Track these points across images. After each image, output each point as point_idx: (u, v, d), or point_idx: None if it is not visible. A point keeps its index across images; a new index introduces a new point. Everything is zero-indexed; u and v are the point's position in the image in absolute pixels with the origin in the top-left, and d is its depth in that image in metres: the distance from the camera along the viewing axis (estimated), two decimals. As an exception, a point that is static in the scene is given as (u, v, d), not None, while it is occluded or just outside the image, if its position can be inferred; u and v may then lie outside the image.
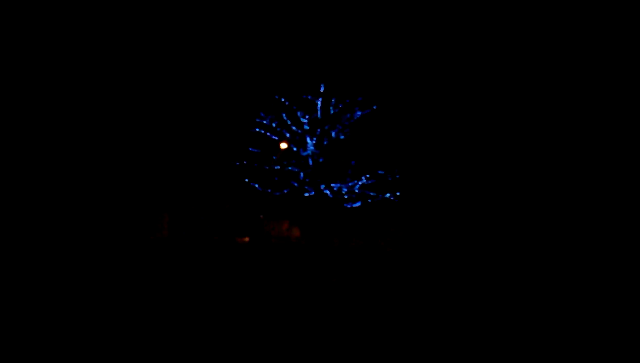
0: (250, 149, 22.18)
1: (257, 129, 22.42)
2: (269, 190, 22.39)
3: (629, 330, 9.53)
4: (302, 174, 21.99)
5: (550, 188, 21.22)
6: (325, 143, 21.95)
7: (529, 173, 22.00)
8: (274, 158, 22.13)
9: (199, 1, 25.47)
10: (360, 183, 21.69)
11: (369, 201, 21.76)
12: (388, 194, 21.63)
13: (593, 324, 9.68)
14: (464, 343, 7.65)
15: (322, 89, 21.83)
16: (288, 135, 22.24)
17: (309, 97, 21.97)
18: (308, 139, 21.98)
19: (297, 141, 22.20)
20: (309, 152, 21.94)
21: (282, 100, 21.96)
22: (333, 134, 21.95)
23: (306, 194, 21.93)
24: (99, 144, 23.16)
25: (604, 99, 21.82)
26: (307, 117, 22.01)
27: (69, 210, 20.90)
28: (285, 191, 22.51)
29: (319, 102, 21.94)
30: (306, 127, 21.97)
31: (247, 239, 24.32)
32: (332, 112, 22.02)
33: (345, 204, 22.01)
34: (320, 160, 21.84)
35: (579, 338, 8.54)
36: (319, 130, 21.83)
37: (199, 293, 10.27)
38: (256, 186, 22.35)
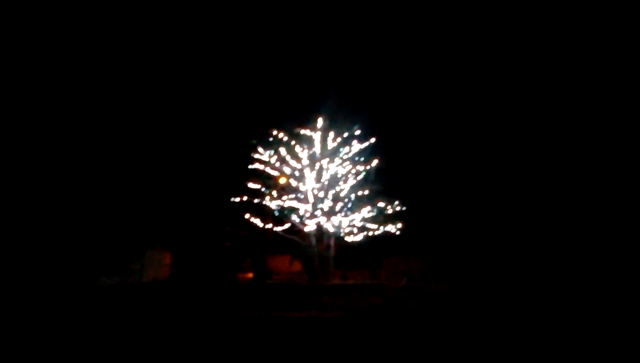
0: (249, 185, 22.17)
1: (257, 165, 22.46)
2: (270, 226, 22.30)
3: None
4: (302, 209, 21.92)
5: (562, 226, 20.98)
6: (325, 177, 21.92)
7: (532, 204, 21.85)
8: (274, 193, 22.09)
9: (197, 34, 25.90)
10: (361, 216, 21.58)
11: (370, 234, 21.59)
12: (389, 227, 21.48)
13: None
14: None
15: (320, 124, 21.92)
16: (287, 170, 22.28)
17: (307, 132, 22.02)
18: (307, 174, 21.97)
19: (296, 175, 22.21)
20: (309, 186, 21.91)
21: (280, 135, 22.05)
22: (332, 168, 21.95)
23: (307, 229, 21.81)
24: (97, 181, 23.18)
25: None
26: (305, 151, 22.05)
27: (59, 245, 20.66)
28: (286, 226, 22.40)
29: (318, 137, 22.00)
30: (305, 161, 21.98)
31: (250, 275, 24.10)
32: (330, 146, 22.07)
33: (346, 238, 21.86)
34: (320, 194, 21.78)
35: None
36: (318, 164, 21.83)
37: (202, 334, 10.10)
38: (257, 221, 22.26)
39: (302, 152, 22.02)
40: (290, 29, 24.96)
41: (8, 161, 21.18)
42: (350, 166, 22.05)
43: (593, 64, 22.09)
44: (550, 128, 22.12)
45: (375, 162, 21.81)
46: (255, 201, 22.06)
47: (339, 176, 22.05)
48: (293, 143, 22.05)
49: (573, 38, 22.35)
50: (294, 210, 22.06)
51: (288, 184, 22.29)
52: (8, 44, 21.98)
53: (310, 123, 21.90)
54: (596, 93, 22.01)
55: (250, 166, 22.50)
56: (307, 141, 22.04)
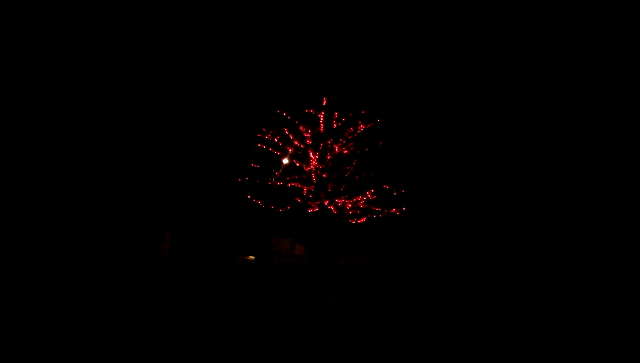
0: (252, 165, 21.73)
1: (259, 145, 21.98)
2: (272, 207, 21.90)
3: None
4: (305, 190, 21.49)
5: (564, 211, 20.55)
6: (329, 157, 21.45)
7: (537, 184, 21.42)
8: (277, 173, 21.67)
9: (199, 15, 25.30)
10: (364, 198, 21.15)
11: (374, 216, 21.16)
12: (394, 210, 21.05)
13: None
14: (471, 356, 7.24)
15: (324, 103, 21.40)
16: (290, 150, 21.79)
17: (312, 111, 21.51)
18: (311, 154, 21.49)
19: (299, 156, 21.73)
20: (312, 167, 21.45)
21: (284, 114, 21.54)
22: (336, 148, 21.46)
23: (310, 211, 21.40)
24: (97, 158, 22.84)
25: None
26: (309, 131, 21.56)
27: (59, 226, 20.36)
28: (289, 208, 22.00)
29: (322, 116, 21.49)
30: (309, 141, 21.50)
31: (251, 257, 23.75)
32: (335, 126, 21.56)
33: (349, 221, 21.46)
34: (324, 175, 21.33)
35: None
36: (321, 144, 21.36)
37: (203, 313, 9.89)
38: (259, 203, 21.86)
39: (306, 132, 21.52)
40: (297, 5, 24.27)
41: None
42: (355, 147, 21.54)
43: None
44: (555, 101, 21.58)
45: (380, 143, 21.36)
46: (258, 181, 21.66)
47: (343, 156, 21.56)
48: (297, 122, 21.54)
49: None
50: (297, 191, 21.64)
51: (291, 165, 21.85)
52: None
53: (314, 102, 21.41)
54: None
55: (253, 146, 22.02)
56: (311, 121, 21.53)
